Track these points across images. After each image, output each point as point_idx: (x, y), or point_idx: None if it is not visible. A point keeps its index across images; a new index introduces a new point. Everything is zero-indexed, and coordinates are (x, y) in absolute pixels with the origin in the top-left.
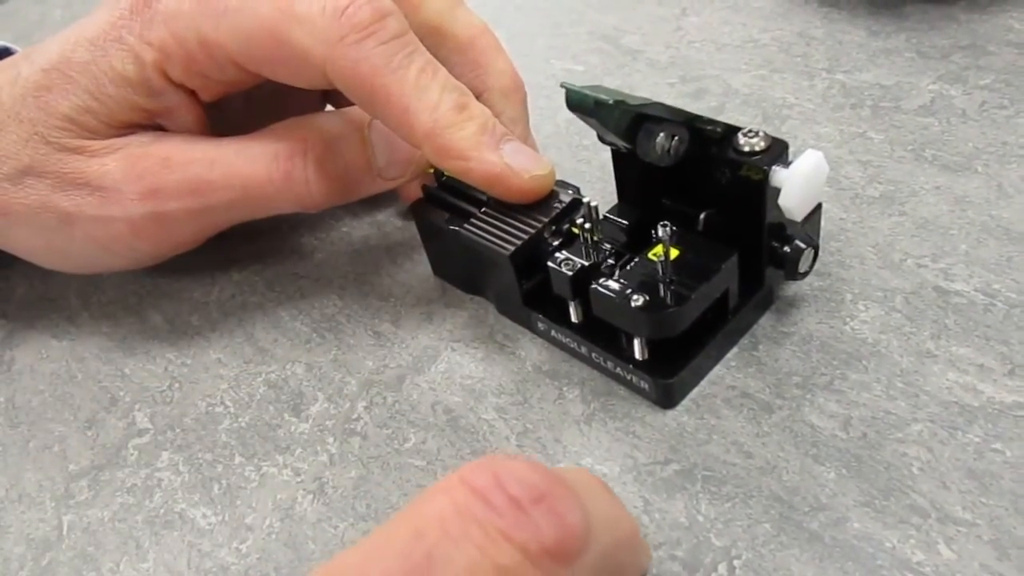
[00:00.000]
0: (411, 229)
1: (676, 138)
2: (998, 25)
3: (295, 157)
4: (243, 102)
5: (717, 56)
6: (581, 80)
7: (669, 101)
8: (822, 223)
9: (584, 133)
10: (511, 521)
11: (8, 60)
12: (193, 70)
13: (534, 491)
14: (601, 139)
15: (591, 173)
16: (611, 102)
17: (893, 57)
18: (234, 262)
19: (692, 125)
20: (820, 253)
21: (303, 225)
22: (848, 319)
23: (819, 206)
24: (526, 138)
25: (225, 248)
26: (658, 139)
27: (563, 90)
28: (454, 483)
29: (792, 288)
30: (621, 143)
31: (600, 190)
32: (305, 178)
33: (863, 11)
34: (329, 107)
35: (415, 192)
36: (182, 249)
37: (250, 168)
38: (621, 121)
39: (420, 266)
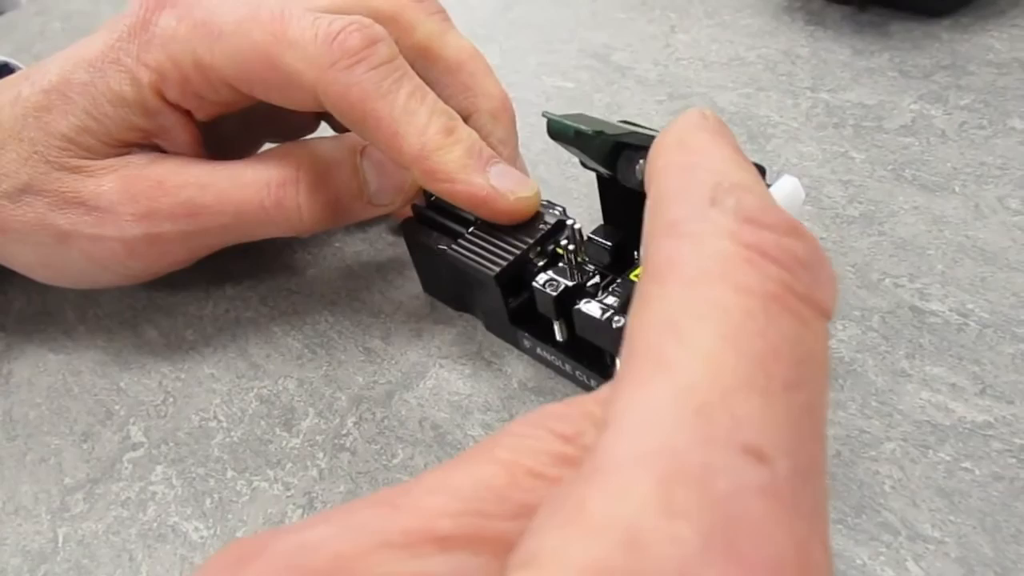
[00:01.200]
0: (402, 245)
1: None
2: (979, 45)
3: (287, 184)
4: (238, 119)
5: (704, 74)
6: (571, 96)
7: (657, 118)
8: None
9: None
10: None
11: (9, 80)
12: (188, 91)
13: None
14: (584, 165)
15: (578, 190)
16: (591, 132)
17: (876, 76)
18: (228, 277)
19: None
20: None
21: (296, 241)
22: None
23: None
24: (514, 159)
25: (219, 263)
26: (638, 166)
27: (554, 103)
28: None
29: None
30: (602, 170)
31: (587, 207)
32: (296, 204)
33: (848, 30)
34: (323, 124)
35: (406, 212)
36: (175, 267)
37: (242, 194)
38: (601, 150)
39: (410, 282)
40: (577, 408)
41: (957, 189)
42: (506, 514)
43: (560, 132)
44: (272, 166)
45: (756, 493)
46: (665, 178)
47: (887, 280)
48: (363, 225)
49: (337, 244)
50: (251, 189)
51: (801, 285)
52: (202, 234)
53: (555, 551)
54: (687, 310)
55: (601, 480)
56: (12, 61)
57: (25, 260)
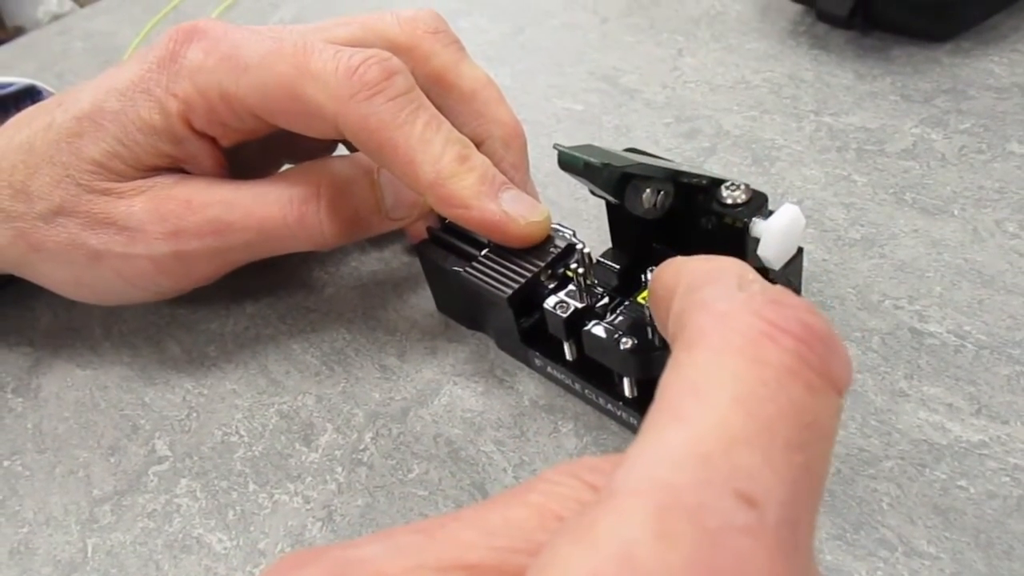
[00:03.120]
0: (416, 265)
1: (662, 193)
2: (979, 69)
3: (309, 201)
4: (258, 143)
5: (711, 97)
6: (580, 119)
7: (664, 140)
8: (806, 264)
9: None
10: (826, 358)
11: (42, 106)
12: (214, 120)
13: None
14: (593, 193)
15: (588, 212)
16: (599, 164)
17: (878, 100)
18: (248, 295)
19: (677, 180)
20: (803, 294)
21: (313, 260)
22: None
23: (800, 251)
24: (525, 183)
25: (239, 282)
26: (645, 195)
27: (564, 125)
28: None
29: None
30: (610, 198)
31: (596, 228)
32: (318, 220)
33: (851, 54)
34: (341, 146)
35: (420, 230)
36: (202, 283)
37: (266, 211)
38: (609, 180)
39: (424, 301)
40: (610, 463)
41: (956, 212)
42: (532, 551)
43: (570, 164)
44: (294, 184)
45: (741, 531)
46: (694, 273)
47: (887, 302)
48: (379, 245)
49: (354, 264)
50: (275, 206)
51: (816, 358)
52: (228, 250)
53: (563, 560)
54: (709, 376)
55: (609, 505)
56: (39, 84)
57: (58, 279)
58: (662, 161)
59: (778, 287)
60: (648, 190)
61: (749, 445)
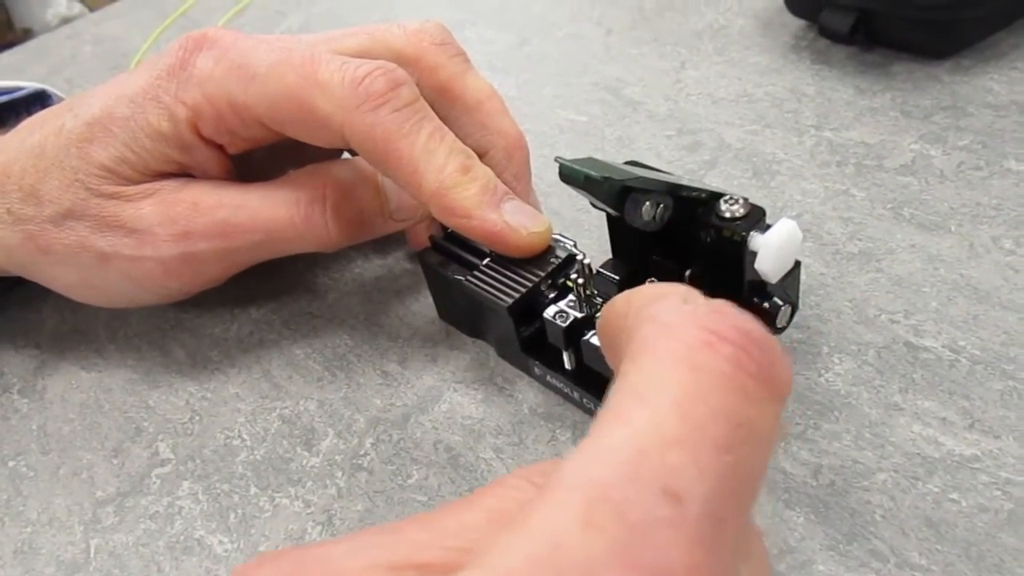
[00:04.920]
0: (418, 273)
1: (661, 206)
2: (979, 87)
3: (315, 203)
4: (266, 150)
5: (713, 110)
6: (584, 130)
7: (666, 152)
8: (804, 277)
9: None
10: (766, 365)
11: (53, 111)
12: (222, 128)
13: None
14: (593, 205)
15: (589, 222)
16: (599, 178)
17: (878, 116)
18: (252, 300)
19: (676, 194)
20: (800, 306)
21: (318, 266)
22: (823, 371)
23: (797, 264)
24: (527, 194)
25: (244, 287)
26: (644, 207)
27: (567, 136)
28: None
29: None
30: (611, 211)
31: (598, 238)
32: (324, 222)
33: (852, 69)
34: (346, 154)
35: (423, 237)
36: (209, 285)
37: (273, 212)
38: (610, 193)
39: (426, 309)
40: None
41: (953, 228)
42: None
43: (570, 176)
44: (300, 186)
45: (663, 523)
46: (643, 296)
47: (883, 316)
48: (382, 252)
49: (357, 270)
50: (281, 208)
51: (752, 364)
52: (235, 252)
53: (497, 548)
54: (651, 382)
55: (543, 499)
56: (50, 88)
57: (67, 281)
58: (662, 174)
59: (720, 300)
60: (648, 203)
61: (679, 445)
